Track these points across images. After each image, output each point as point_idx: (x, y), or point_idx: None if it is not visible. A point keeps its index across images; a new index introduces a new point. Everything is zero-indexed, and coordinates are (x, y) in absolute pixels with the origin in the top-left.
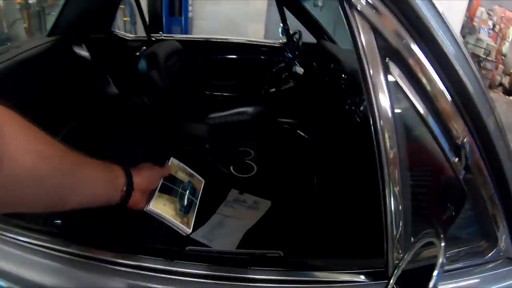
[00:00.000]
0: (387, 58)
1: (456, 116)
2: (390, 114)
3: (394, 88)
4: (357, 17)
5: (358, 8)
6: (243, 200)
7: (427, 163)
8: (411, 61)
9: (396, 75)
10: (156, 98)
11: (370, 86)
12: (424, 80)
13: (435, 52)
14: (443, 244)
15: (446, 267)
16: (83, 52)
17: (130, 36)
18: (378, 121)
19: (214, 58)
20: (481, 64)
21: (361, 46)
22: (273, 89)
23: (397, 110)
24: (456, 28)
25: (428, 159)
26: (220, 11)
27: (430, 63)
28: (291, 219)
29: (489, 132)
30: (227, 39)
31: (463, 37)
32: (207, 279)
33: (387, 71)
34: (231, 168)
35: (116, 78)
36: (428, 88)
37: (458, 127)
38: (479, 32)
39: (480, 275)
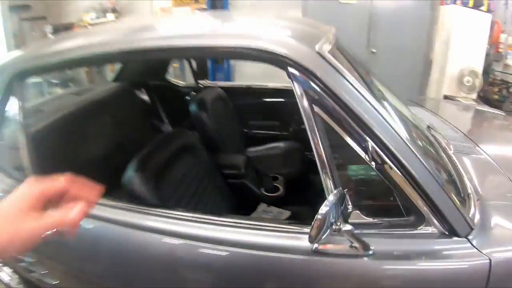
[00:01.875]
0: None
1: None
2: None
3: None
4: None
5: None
6: (269, 211)
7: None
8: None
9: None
10: (204, 134)
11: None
12: (341, 120)
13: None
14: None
15: (384, 231)
16: (143, 96)
17: (181, 83)
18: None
19: (252, 102)
20: (510, 90)
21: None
22: (301, 127)
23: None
24: (480, 57)
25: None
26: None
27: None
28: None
29: (381, 138)
30: (264, 85)
31: (490, 65)
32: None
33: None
34: (262, 189)
35: (170, 118)
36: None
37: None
38: (506, 58)
39: (408, 239)
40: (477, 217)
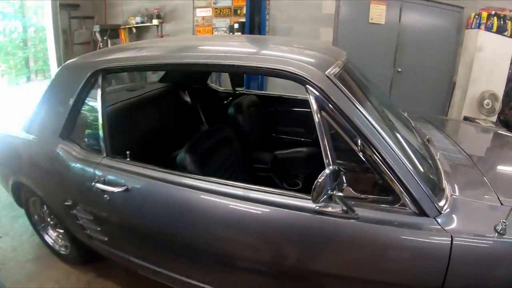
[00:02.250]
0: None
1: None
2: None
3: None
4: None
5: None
6: None
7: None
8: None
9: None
10: (239, 133)
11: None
12: (340, 122)
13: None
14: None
15: (369, 204)
16: (186, 98)
17: (220, 88)
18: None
19: (281, 110)
20: None
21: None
22: None
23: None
24: (502, 81)
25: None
26: None
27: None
28: None
29: (368, 138)
30: (293, 96)
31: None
32: None
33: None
34: (284, 183)
35: (207, 118)
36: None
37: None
38: None
39: (386, 212)
40: (447, 206)
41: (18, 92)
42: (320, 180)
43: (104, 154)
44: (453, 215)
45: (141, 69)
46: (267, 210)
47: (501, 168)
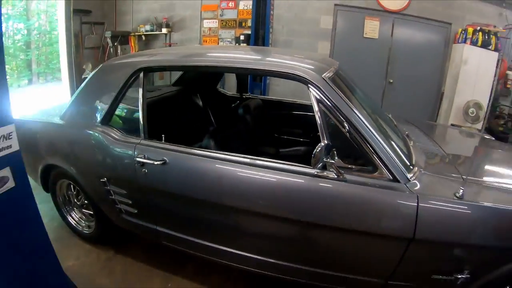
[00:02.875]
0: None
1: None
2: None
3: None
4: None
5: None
6: None
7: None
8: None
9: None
10: (246, 131)
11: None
12: (333, 112)
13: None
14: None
15: (355, 172)
16: (197, 100)
17: (228, 93)
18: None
19: (283, 113)
20: None
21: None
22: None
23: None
24: (486, 91)
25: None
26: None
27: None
28: None
29: (354, 124)
30: (292, 100)
31: (497, 99)
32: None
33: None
34: None
35: (216, 119)
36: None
37: (343, 122)
38: None
39: (367, 178)
40: (415, 176)
41: (20, 94)
42: (317, 150)
43: (143, 137)
44: (420, 183)
45: (176, 68)
46: (280, 175)
47: (469, 157)
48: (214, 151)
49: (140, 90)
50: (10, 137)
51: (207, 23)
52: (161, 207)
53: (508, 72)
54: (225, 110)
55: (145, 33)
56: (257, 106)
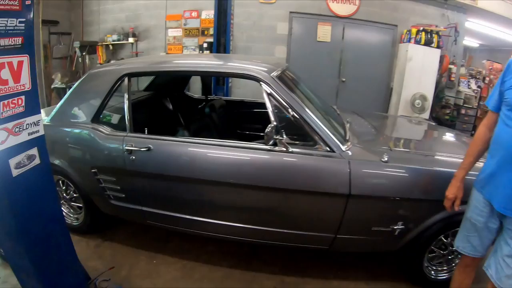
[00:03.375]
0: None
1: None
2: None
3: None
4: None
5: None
6: None
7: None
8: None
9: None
10: (213, 127)
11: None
12: (281, 101)
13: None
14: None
15: (299, 146)
16: (167, 103)
17: (195, 95)
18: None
19: (244, 111)
20: (462, 111)
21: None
22: None
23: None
24: (431, 85)
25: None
26: (250, 83)
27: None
28: None
29: (294, 107)
30: (252, 100)
31: (442, 91)
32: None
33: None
34: None
35: (185, 119)
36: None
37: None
38: (459, 86)
39: (309, 150)
40: (347, 148)
41: None
42: (268, 130)
43: (129, 131)
44: (352, 152)
45: (155, 73)
46: (240, 152)
47: (402, 136)
48: (189, 137)
49: (126, 93)
50: (38, 123)
51: (171, 32)
52: (146, 188)
53: (451, 66)
54: (193, 111)
55: (112, 42)
56: (221, 106)
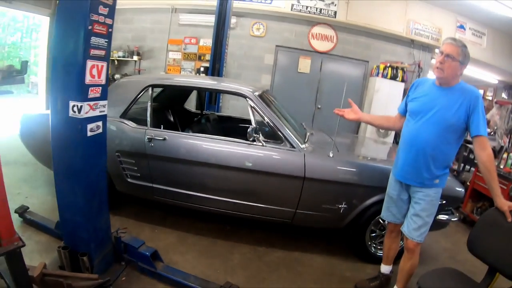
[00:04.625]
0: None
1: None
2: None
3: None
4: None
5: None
6: None
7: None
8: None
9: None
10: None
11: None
12: (261, 113)
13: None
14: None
15: (271, 143)
16: (169, 115)
17: (192, 110)
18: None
19: (231, 125)
20: None
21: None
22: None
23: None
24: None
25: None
26: (237, 104)
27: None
28: None
29: (269, 117)
30: (238, 116)
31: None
32: None
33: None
34: None
35: (182, 129)
36: (261, 114)
37: (264, 118)
38: None
39: (278, 147)
40: (305, 147)
41: None
42: (249, 130)
43: (149, 126)
44: (308, 149)
45: (172, 87)
46: (228, 144)
47: (350, 145)
48: (194, 133)
49: (150, 98)
50: (104, 106)
51: (172, 55)
52: (158, 168)
53: None
54: (190, 122)
55: (118, 58)
56: (214, 118)
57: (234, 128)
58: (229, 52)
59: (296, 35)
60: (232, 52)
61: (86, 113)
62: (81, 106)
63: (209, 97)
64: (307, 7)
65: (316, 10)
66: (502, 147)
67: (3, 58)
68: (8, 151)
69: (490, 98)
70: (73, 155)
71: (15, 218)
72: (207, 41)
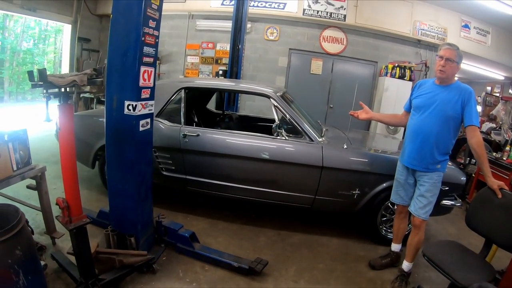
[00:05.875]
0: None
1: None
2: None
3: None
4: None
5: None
6: None
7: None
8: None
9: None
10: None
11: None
12: (282, 111)
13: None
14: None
15: (293, 137)
16: (193, 115)
17: (214, 110)
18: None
19: (249, 123)
20: None
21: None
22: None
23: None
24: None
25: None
26: (253, 104)
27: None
28: None
29: (291, 115)
30: (255, 115)
31: None
32: None
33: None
34: None
35: (206, 126)
36: (283, 112)
37: (286, 115)
38: None
39: (299, 140)
40: (322, 140)
41: None
42: (274, 126)
43: (183, 124)
44: (324, 142)
45: (201, 89)
46: (256, 139)
47: (362, 140)
48: (222, 130)
49: (183, 99)
50: (152, 105)
51: (190, 59)
52: (191, 162)
53: None
54: (211, 121)
55: None
56: (236, 117)
57: (254, 125)
58: (245, 56)
59: (308, 38)
60: (247, 56)
61: (139, 111)
62: (135, 105)
63: (228, 98)
64: (318, 11)
65: (327, 14)
66: (507, 140)
67: (18, 64)
68: (38, 151)
69: (498, 94)
70: (127, 148)
71: (56, 209)
72: (224, 46)
